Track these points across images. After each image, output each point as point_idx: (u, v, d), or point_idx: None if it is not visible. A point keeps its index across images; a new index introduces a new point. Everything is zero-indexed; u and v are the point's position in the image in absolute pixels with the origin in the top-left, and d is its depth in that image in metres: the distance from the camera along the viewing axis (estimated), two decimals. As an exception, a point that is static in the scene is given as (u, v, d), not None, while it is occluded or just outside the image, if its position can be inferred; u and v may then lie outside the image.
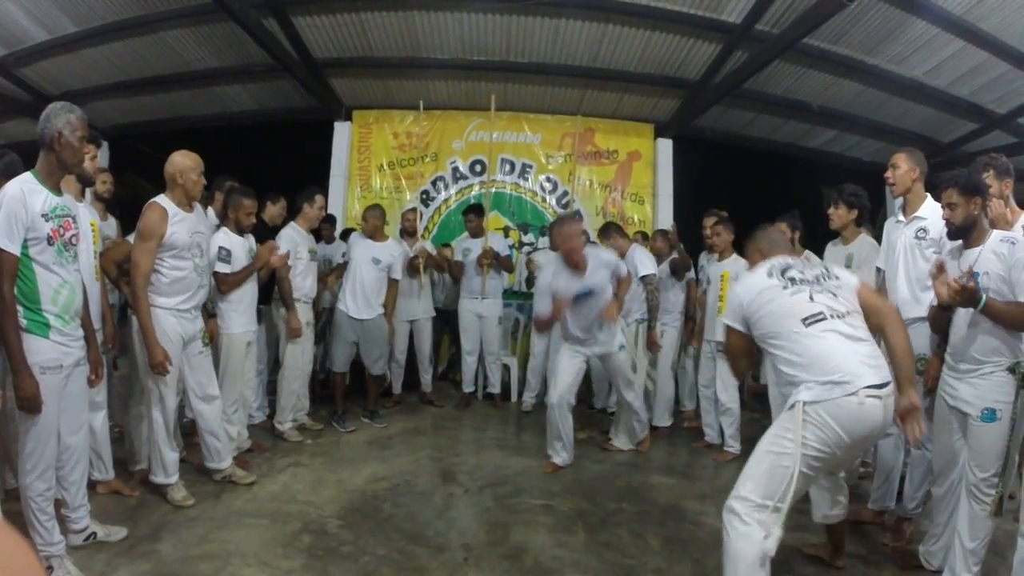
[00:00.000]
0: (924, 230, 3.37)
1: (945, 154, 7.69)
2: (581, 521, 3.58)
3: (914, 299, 3.38)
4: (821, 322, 2.51)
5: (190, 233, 3.49)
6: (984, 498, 2.68)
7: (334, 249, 6.27)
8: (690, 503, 3.90)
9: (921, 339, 3.28)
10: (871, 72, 6.32)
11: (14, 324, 2.48)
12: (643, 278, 5.21)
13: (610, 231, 5.66)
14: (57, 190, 2.66)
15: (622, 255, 5.28)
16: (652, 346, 5.35)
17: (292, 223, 5.04)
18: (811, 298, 2.57)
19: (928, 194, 3.44)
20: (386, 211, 6.41)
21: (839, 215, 4.01)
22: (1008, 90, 6.38)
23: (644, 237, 6.56)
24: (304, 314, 4.95)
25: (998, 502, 2.66)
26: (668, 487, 4.23)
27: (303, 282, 4.95)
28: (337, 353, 5.39)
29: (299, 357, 4.94)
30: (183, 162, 3.46)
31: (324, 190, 5.61)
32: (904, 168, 3.44)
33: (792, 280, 2.65)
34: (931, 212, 3.35)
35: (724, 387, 4.94)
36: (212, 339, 3.94)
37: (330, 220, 6.49)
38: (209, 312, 3.96)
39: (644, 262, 5.28)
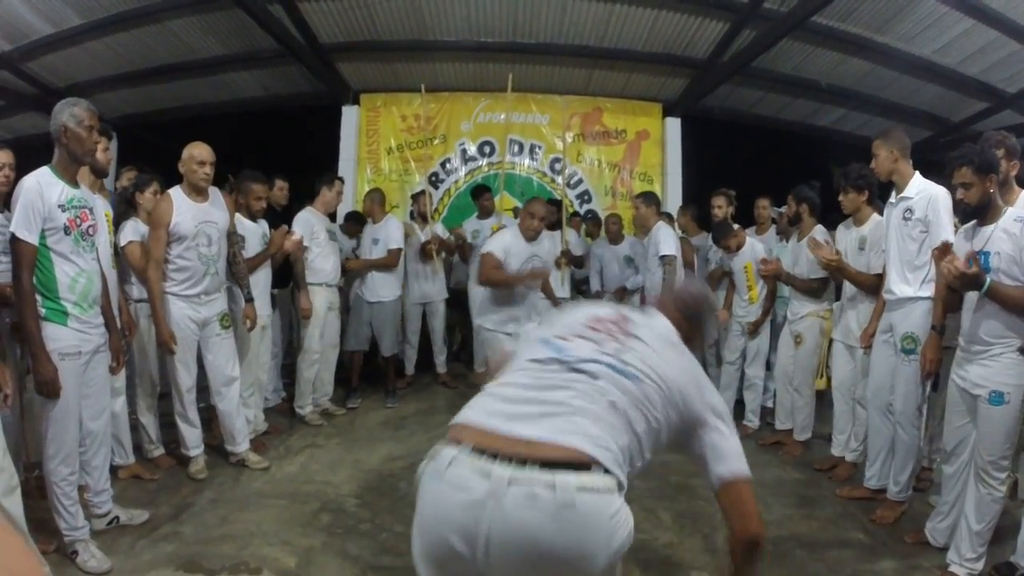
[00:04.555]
0: (910, 210, 3.36)
1: (955, 133, 7.63)
2: (593, 499, 3.62)
3: (903, 279, 3.38)
4: None
5: (196, 223, 3.61)
6: (991, 481, 2.68)
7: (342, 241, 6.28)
8: (700, 480, 3.88)
9: (912, 318, 3.32)
10: (880, 50, 6.27)
11: (33, 311, 2.55)
12: (662, 257, 5.02)
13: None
14: (74, 182, 2.74)
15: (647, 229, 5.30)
16: None
17: (309, 207, 5.08)
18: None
19: (916, 171, 3.43)
20: (395, 193, 6.43)
21: (850, 200, 3.92)
22: (1018, 69, 6.31)
23: (669, 218, 6.40)
24: (327, 297, 5.00)
25: (1012, 487, 2.66)
26: (679, 464, 4.22)
27: (324, 264, 4.97)
28: (352, 333, 5.50)
29: (316, 341, 4.97)
30: (186, 152, 3.63)
31: (340, 176, 5.58)
32: (882, 155, 3.45)
33: None
34: (917, 191, 3.36)
35: (750, 362, 4.98)
36: (253, 322, 4.05)
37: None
38: (246, 297, 4.03)
39: (667, 241, 5.07)
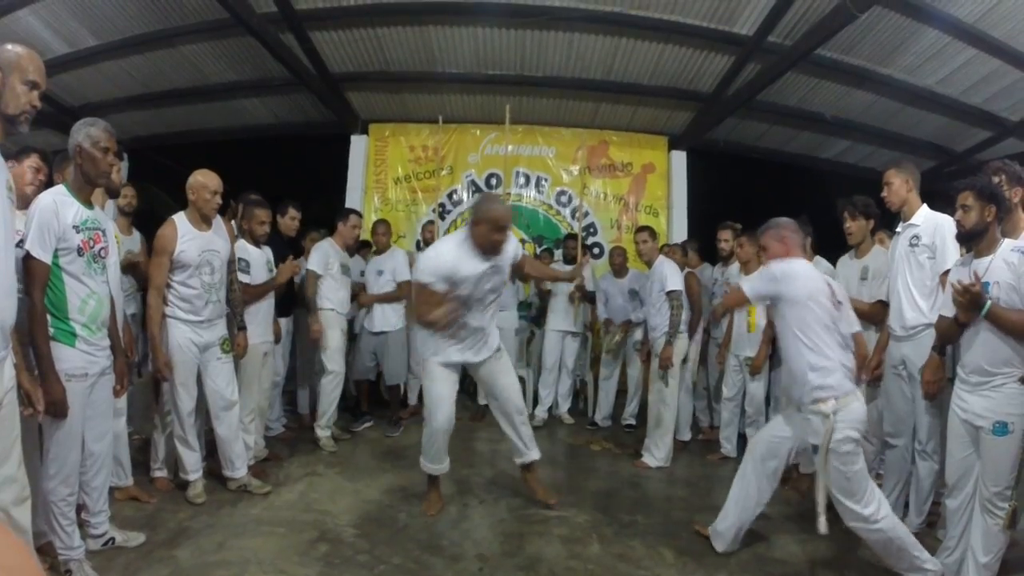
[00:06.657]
0: (917, 237, 3.42)
1: (958, 163, 7.65)
2: (595, 532, 3.58)
3: (912, 306, 3.41)
4: None
5: (200, 251, 3.59)
6: (997, 512, 2.67)
7: (353, 264, 6.30)
8: (704, 516, 3.88)
9: (923, 348, 3.31)
10: (884, 82, 6.31)
11: (44, 330, 2.54)
12: (669, 293, 4.96)
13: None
14: (88, 203, 2.76)
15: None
16: (665, 362, 4.95)
17: (329, 238, 5.22)
18: None
19: (924, 203, 3.51)
20: (402, 223, 6.44)
21: (858, 227, 3.96)
22: (1021, 98, 6.34)
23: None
24: (339, 323, 5.13)
25: (1011, 515, 2.64)
26: (683, 499, 4.23)
27: (335, 295, 5.09)
28: (358, 362, 5.60)
29: (339, 362, 5.07)
30: (197, 180, 3.60)
31: (357, 211, 5.66)
32: (896, 183, 3.53)
33: None
34: (923, 219, 3.43)
35: (751, 400, 4.93)
36: (242, 350, 4.04)
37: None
38: (239, 325, 4.03)
39: (672, 276, 5.01)
